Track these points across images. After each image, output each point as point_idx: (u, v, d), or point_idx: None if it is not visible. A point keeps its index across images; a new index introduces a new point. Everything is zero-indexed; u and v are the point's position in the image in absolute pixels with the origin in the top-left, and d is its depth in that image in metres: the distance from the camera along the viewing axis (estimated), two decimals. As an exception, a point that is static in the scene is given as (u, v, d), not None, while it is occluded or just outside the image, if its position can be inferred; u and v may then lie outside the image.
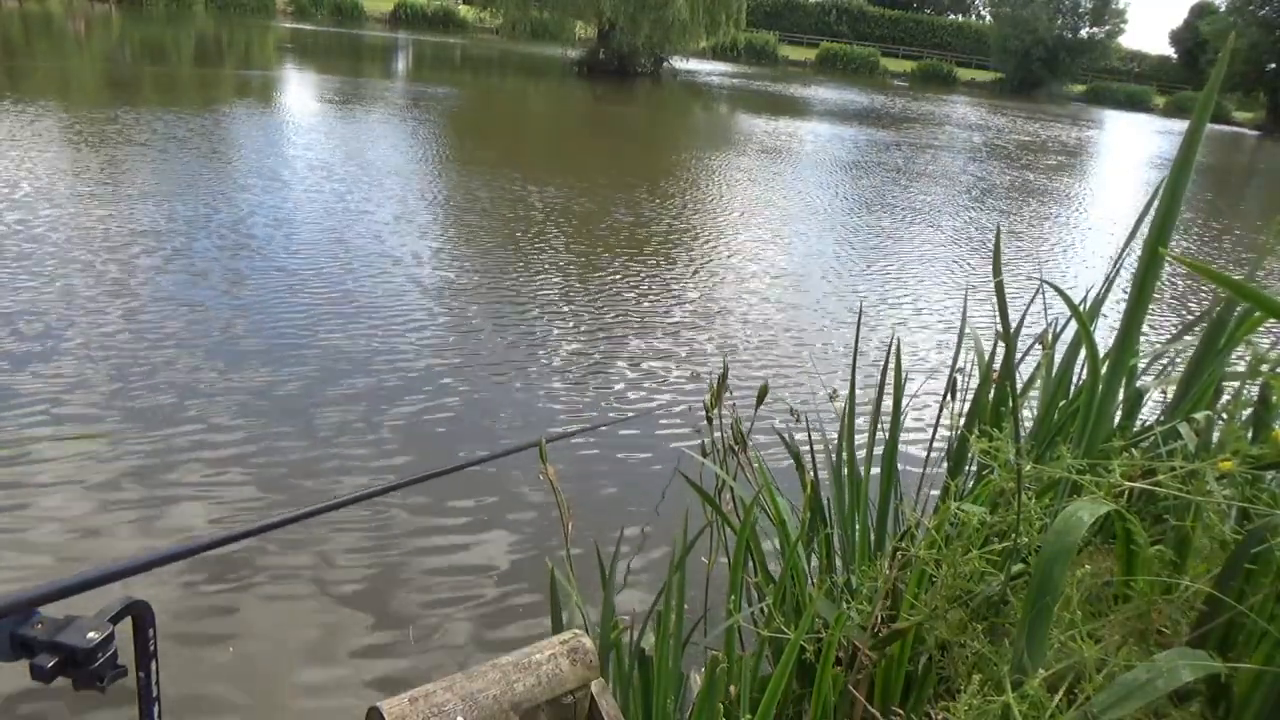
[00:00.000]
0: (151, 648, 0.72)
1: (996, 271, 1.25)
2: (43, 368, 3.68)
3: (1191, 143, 1.22)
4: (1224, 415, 1.26)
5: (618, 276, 5.98)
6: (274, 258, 5.51)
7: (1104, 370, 1.36)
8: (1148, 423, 1.46)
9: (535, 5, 23.42)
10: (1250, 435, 1.05)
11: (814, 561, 1.72)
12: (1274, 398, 1.06)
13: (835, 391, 4.22)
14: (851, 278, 6.82)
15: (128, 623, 0.71)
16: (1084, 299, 1.83)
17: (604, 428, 3.71)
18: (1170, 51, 51.93)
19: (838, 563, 1.72)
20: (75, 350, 3.87)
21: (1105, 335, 1.64)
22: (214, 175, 7.51)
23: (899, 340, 2.14)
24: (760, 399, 1.72)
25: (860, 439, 1.85)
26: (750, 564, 1.65)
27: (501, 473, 3.27)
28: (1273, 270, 7.19)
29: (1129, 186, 15.54)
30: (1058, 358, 1.76)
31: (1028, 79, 41.20)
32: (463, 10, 36.37)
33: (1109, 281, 1.73)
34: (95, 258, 5.07)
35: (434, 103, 15.00)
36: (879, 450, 1.80)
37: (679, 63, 27.90)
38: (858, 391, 1.91)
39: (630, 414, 3.94)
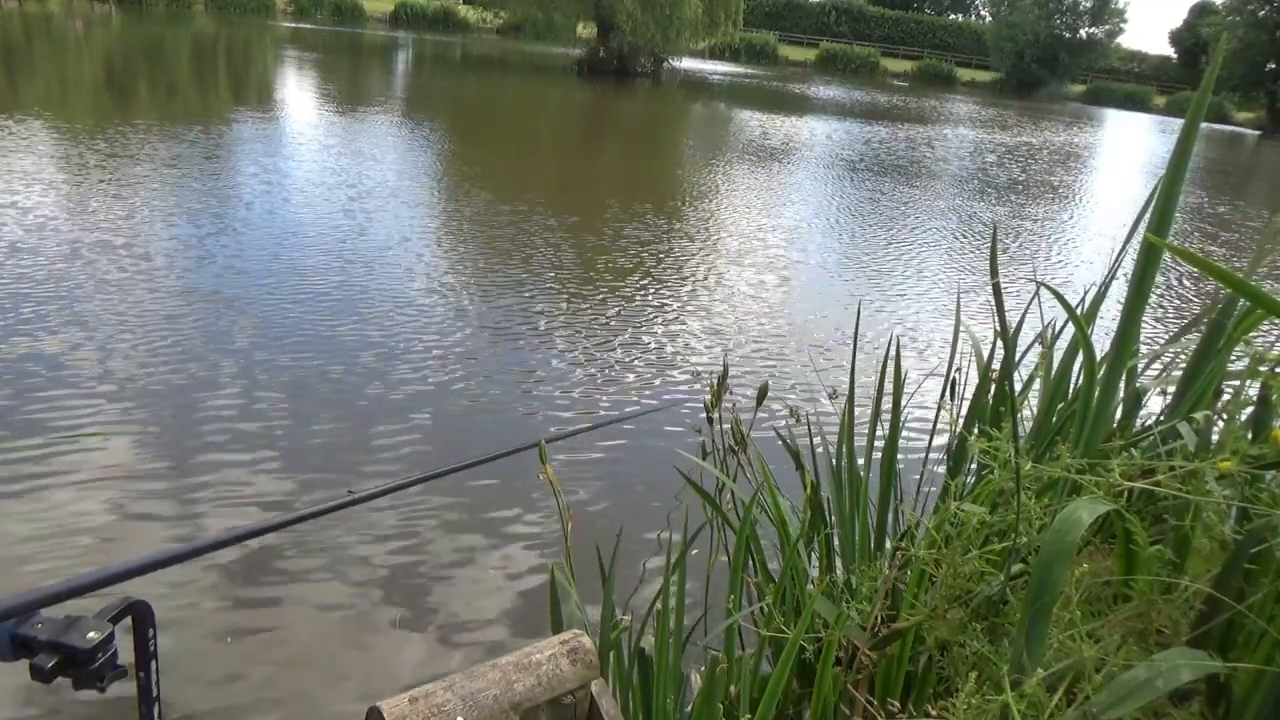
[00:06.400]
0: (151, 648, 0.72)
1: (994, 272, 1.25)
2: (56, 368, 3.69)
3: (1186, 142, 1.23)
4: (1224, 415, 1.26)
5: (621, 276, 5.98)
6: (281, 265, 5.52)
7: (1103, 370, 1.36)
8: (1148, 423, 1.46)
9: (538, 6, 23.41)
10: (1250, 435, 1.05)
11: (814, 561, 1.72)
12: (1274, 398, 1.06)
13: (835, 391, 4.22)
14: (853, 276, 6.82)
15: (128, 623, 0.71)
16: (1082, 299, 1.83)
17: (604, 426, 3.70)
18: (1170, 51, 51.96)
19: (838, 563, 1.72)
20: (87, 351, 3.87)
21: (1105, 335, 1.65)
22: (218, 182, 7.51)
23: (898, 339, 2.14)
24: (760, 398, 1.72)
25: (860, 439, 1.85)
26: (750, 563, 1.65)
27: (502, 472, 3.26)
28: (1274, 266, 7.19)
29: (1128, 184, 15.53)
30: (1057, 358, 1.76)
31: (1026, 79, 41.22)
32: (463, 10, 36.38)
33: (1107, 281, 1.73)
34: (99, 261, 5.07)
35: (436, 103, 14.99)
36: (879, 450, 1.80)
37: (678, 63, 27.90)
38: (857, 391, 1.91)
39: (630, 411, 3.94)
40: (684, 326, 5.17)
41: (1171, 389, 1.41)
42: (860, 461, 1.78)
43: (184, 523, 2.81)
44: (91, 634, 0.65)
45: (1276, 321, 1.82)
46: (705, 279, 6.21)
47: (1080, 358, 1.52)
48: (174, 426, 3.36)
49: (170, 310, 4.45)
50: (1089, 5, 42.13)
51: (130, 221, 5.83)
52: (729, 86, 27.26)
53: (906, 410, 1.82)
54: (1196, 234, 10.67)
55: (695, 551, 1.59)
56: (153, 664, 0.73)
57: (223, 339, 4.19)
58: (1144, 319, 1.35)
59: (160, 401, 3.53)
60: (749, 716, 1.21)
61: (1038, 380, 1.83)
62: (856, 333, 2.00)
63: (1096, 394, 1.36)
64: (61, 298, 4.43)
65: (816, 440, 1.92)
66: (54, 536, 2.66)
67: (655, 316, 5.27)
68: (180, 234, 5.73)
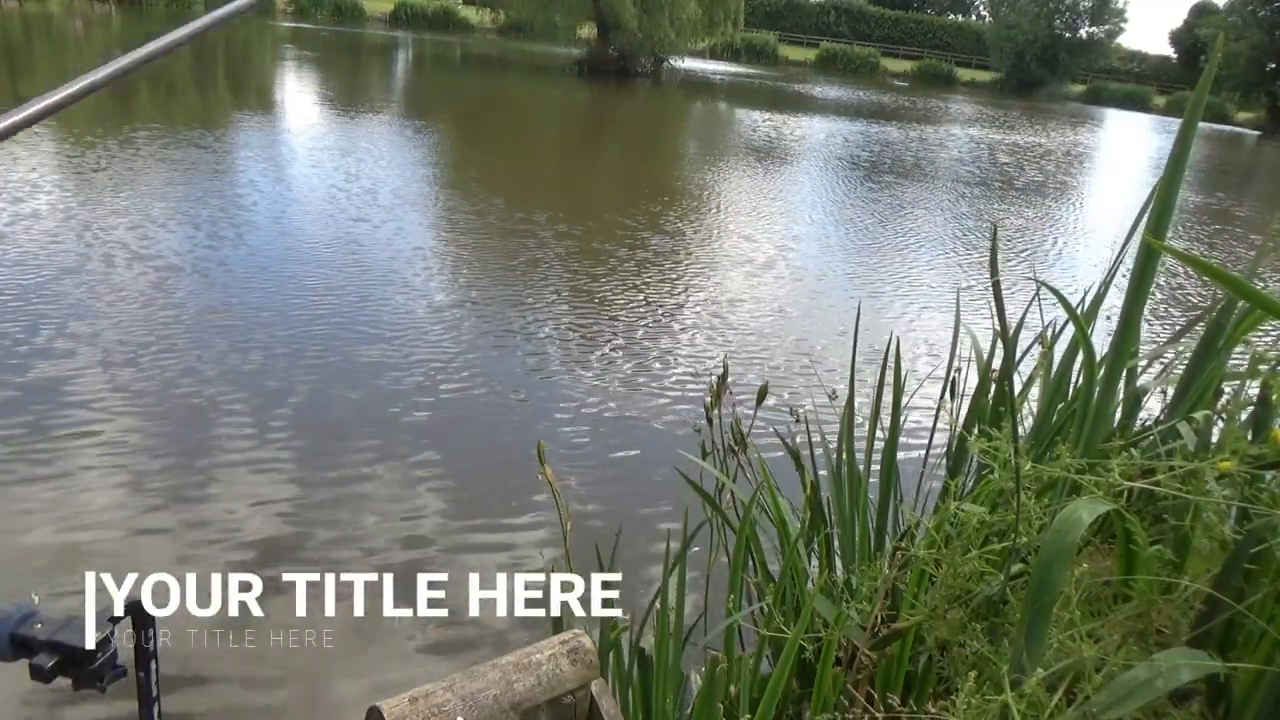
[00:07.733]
0: (151, 648, 0.72)
1: (994, 271, 1.25)
2: (61, 379, 3.69)
3: (1184, 142, 1.23)
4: (1224, 415, 1.26)
5: (622, 276, 5.98)
6: (290, 273, 5.52)
7: (1102, 370, 1.36)
8: (1148, 423, 1.46)
9: (538, 6, 23.38)
10: (1250, 435, 1.05)
11: (814, 561, 1.72)
12: (1274, 398, 1.06)
13: (835, 392, 4.21)
14: (854, 276, 6.82)
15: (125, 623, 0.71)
16: (1082, 299, 1.83)
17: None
18: (1170, 52, 51.89)
19: (838, 563, 1.72)
20: (90, 360, 3.87)
21: (1105, 334, 1.64)
22: (224, 188, 7.51)
23: (898, 340, 2.14)
24: (760, 399, 1.72)
25: (860, 439, 1.85)
26: (750, 563, 1.65)
27: (502, 473, 3.27)
28: (1273, 267, 7.18)
29: (1147, 185, 15.51)
30: (1057, 357, 1.75)
31: (1026, 79, 41.19)
32: (462, 10, 36.33)
33: (1107, 281, 1.73)
34: (102, 270, 5.07)
35: (439, 104, 14.99)
36: (879, 450, 1.80)
37: (678, 63, 27.88)
38: (857, 390, 1.91)
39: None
40: (689, 329, 5.17)
41: (1171, 389, 1.41)
42: (860, 461, 1.78)
43: (188, 533, 2.81)
44: (91, 634, 0.65)
45: (1276, 321, 1.82)
46: (715, 282, 6.21)
47: (1080, 358, 1.52)
48: (180, 433, 3.36)
49: (175, 319, 4.45)
50: (1089, 5, 42.09)
51: (137, 230, 5.81)
52: (730, 86, 27.24)
53: (906, 410, 1.82)
54: (1226, 236, 10.61)
55: (696, 549, 1.59)
56: (152, 664, 0.73)
57: (233, 349, 4.19)
58: (1144, 319, 1.34)
59: (166, 407, 3.53)
60: (749, 716, 1.21)
61: (1038, 380, 1.83)
62: (856, 332, 2.00)
63: (1096, 394, 1.36)
64: (66, 309, 4.42)
65: (816, 440, 1.92)
66: (55, 543, 2.66)
67: (662, 318, 5.27)
68: (183, 241, 5.72)
